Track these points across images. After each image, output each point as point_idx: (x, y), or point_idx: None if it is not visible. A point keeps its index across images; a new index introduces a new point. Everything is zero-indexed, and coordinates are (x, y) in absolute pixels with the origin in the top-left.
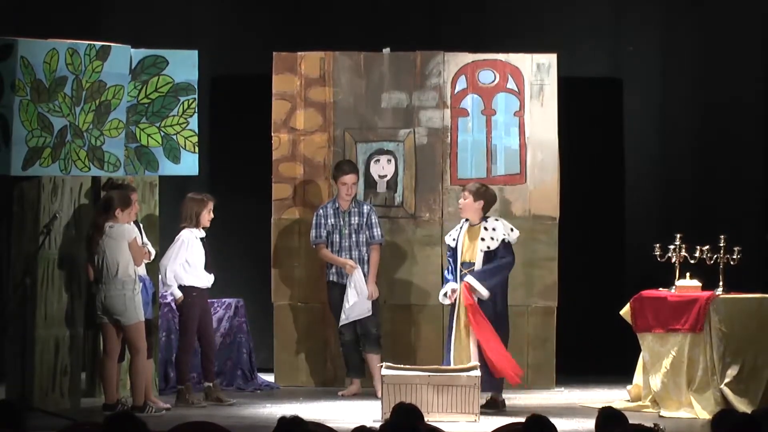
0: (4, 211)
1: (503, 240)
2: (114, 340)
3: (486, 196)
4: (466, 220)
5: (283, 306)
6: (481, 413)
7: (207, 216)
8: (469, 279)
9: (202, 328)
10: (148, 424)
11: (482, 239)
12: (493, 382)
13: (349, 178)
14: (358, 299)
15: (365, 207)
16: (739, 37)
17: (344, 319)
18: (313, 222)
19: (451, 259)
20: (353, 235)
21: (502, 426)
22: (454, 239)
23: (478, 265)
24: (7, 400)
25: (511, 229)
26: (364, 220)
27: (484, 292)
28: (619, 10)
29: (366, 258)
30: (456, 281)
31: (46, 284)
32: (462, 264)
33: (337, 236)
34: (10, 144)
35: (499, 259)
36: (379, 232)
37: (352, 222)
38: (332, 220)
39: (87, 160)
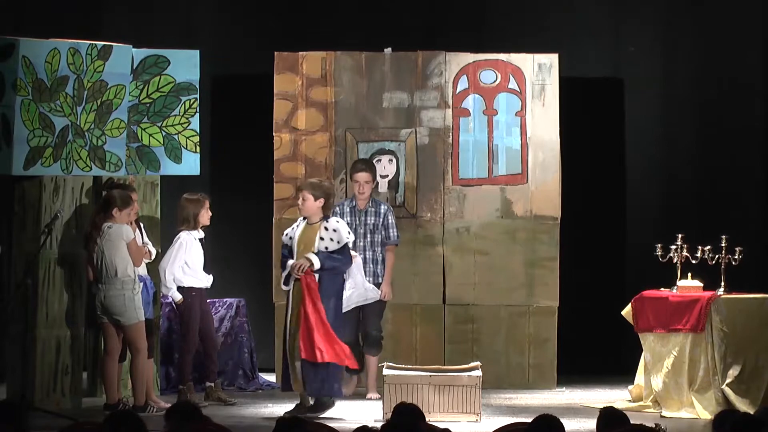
0: (5, 211)
1: (346, 244)
2: (115, 340)
3: (326, 194)
4: (304, 218)
5: (285, 306)
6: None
7: (206, 215)
8: (310, 255)
9: (203, 328)
10: (149, 423)
11: (321, 238)
12: (324, 381)
13: (361, 176)
14: (355, 286)
15: (383, 207)
16: (739, 37)
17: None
18: None
19: (286, 259)
20: (368, 235)
21: (504, 426)
22: (290, 238)
23: (315, 264)
24: (8, 399)
25: (348, 233)
26: (381, 220)
27: (316, 263)
28: (619, 11)
29: (381, 258)
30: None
31: (47, 284)
32: None
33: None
34: (11, 144)
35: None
36: (395, 233)
37: (368, 222)
38: (348, 218)
39: (88, 159)
